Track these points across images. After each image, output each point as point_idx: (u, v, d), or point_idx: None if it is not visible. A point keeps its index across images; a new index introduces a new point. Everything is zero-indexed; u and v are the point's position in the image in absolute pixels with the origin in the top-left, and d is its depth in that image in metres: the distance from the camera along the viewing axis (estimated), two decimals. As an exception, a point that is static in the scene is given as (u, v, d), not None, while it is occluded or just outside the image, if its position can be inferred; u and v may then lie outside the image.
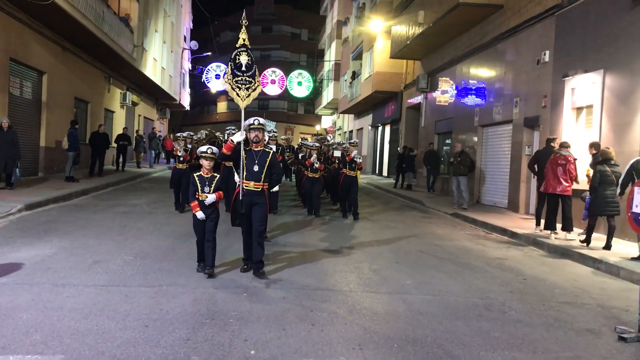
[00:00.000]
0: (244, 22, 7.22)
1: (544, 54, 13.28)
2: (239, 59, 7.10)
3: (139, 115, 31.50)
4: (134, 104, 29.11)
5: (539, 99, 13.53)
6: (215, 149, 6.88)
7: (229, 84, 7.10)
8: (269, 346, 4.40)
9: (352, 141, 13.60)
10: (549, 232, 10.46)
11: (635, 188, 5.21)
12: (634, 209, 5.16)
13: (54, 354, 4.05)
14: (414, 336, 4.85)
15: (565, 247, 9.47)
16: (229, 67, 7.12)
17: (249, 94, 7.12)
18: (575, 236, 10.28)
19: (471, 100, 17.65)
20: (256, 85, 7.18)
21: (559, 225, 10.50)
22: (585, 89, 11.79)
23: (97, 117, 23.28)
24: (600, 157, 9.59)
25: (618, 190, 8.78)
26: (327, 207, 14.47)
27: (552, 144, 11.24)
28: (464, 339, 4.83)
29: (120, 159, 22.43)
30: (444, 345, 4.66)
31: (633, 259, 8.35)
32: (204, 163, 6.74)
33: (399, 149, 24.64)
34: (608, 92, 11.01)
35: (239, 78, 7.08)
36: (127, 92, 27.18)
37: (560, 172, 10.17)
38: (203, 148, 6.88)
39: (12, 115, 15.17)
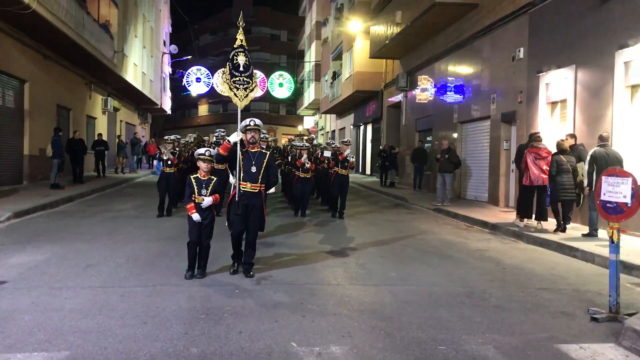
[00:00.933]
0: (241, 23, 7.26)
1: (519, 51, 13.66)
2: (236, 60, 7.14)
3: (121, 121, 31.48)
4: (116, 109, 29.11)
5: (515, 94, 13.92)
6: (213, 151, 6.92)
7: (227, 84, 7.14)
8: (263, 337, 4.65)
9: (344, 140, 13.70)
10: (539, 222, 10.76)
11: (602, 177, 5.53)
12: (602, 197, 5.48)
13: (59, 350, 4.25)
14: (399, 323, 5.12)
15: (543, 238, 9.82)
16: (227, 67, 7.17)
17: (247, 94, 7.18)
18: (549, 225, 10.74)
19: (450, 97, 18.01)
20: (253, 85, 7.24)
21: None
22: (558, 84, 12.19)
23: (80, 123, 23.28)
24: (557, 148, 10.36)
25: (585, 181, 9.50)
26: (317, 207, 14.63)
27: (534, 139, 11.60)
28: (447, 325, 5.12)
29: (100, 165, 22.35)
30: (428, 330, 4.94)
31: (583, 235, 9.70)
32: (202, 165, 6.72)
33: (380, 147, 24.91)
34: (580, 86, 11.41)
35: (237, 78, 7.13)
36: (109, 98, 27.18)
37: (543, 164, 10.54)
38: (201, 150, 6.88)
39: (-5, 124, 15.26)
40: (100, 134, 23.88)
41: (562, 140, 10.52)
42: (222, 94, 7.57)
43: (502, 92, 14.74)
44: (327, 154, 13.83)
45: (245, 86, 7.16)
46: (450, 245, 9.58)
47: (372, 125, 31.07)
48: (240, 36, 7.23)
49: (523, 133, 13.17)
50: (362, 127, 33.73)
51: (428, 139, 21.24)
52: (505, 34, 14.55)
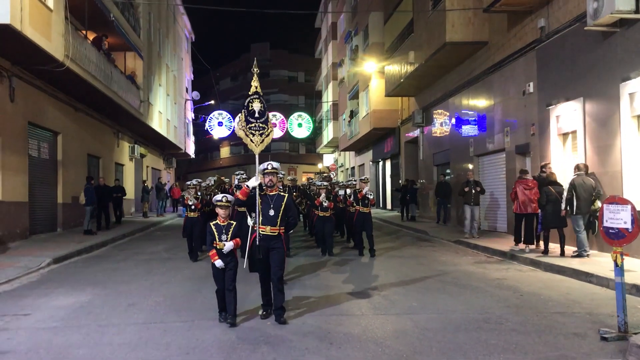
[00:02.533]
0: (255, 69, 7.39)
1: (529, 85, 14.19)
2: (252, 106, 7.26)
3: (147, 166, 32.50)
4: (142, 155, 30.12)
5: (528, 127, 14.39)
6: (230, 197, 6.96)
7: (243, 130, 7.23)
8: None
9: (363, 177, 13.80)
10: (527, 246, 12.11)
11: (604, 205, 5.96)
12: (605, 224, 5.90)
13: (115, 379, 4.76)
14: (420, 348, 5.55)
15: (560, 265, 10.15)
16: (242, 114, 7.29)
17: (263, 140, 7.27)
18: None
19: (467, 130, 18.50)
20: (269, 131, 7.33)
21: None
22: (568, 116, 12.65)
23: (109, 171, 24.25)
24: (545, 180, 11.67)
25: (563, 205, 10.94)
26: (341, 245, 14.68)
27: (544, 170, 12.15)
28: (465, 348, 5.52)
29: (117, 212, 22.07)
30: (447, 353, 5.36)
31: (573, 255, 10.79)
32: (220, 212, 6.75)
33: (400, 181, 25.24)
34: (589, 117, 11.86)
35: (253, 124, 7.23)
36: (135, 145, 28.23)
37: (531, 194, 11.92)
38: (218, 197, 6.91)
39: (31, 174, 16.12)
40: (117, 180, 23.52)
41: (552, 173, 12.01)
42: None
43: (515, 125, 15.22)
44: (342, 192, 14.08)
45: (260, 132, 7.27)
46: (469, 275, 9.96)
47: (390, 161, 31.63)
48: (254, 83, 7.38)
49: (537, 164, 13.57)
50: (380, 163, 34.32)
51: (447, 171, 21.57)
52: (515, 69, 15.11)
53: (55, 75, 15.93)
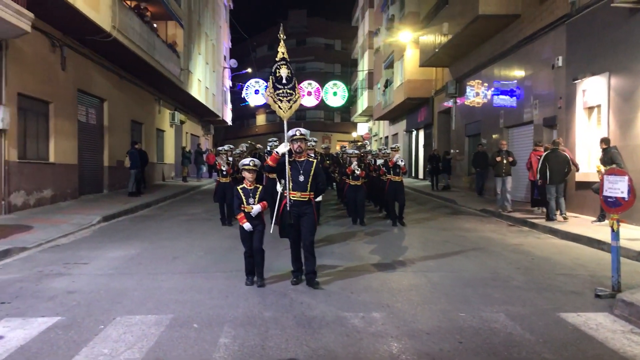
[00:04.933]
0: (282, 35, 7.41)
1: (558, 59, 14.46)
2: (279, 72, 7.29)
3: (186, 133, 33.65)
4: (182, 122, 31.20)
5: (555, 100, 14.71)
6: (257, 161, 7.10)
7: (271, 97, 7.26)
8: (319, 306, 5.89)
9: (393, 146, 13.50)
10: (539, 208, 13.68)
11: (604, 176, 6.51)
12: (604, 193, 6.46)
13: (166, 314, 5.62)
14: (431, 298, 6.27)
15: (576, 233, 10.67)
16: (270, 80, 7.30)
17: (290, 106, 7.33)
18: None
19: (498, 101, 18.77)
20: (297, 97, 7.37)
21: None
22: (594, 90, 12.95)
23: (150, 136, 25.40)
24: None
25: (538, 175, 12.47)
26: (372, 214, 14.50)
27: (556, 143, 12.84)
28: (470, 299, 6.22)
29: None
30: (453, 303, 6.06)
31: (593, 221, 11.79)
32: (247, 175, 6.92)
33: (434, 151, 25.12)
34: (613, 92, 12.17)
35: (280, 91, 7.26)
36: (175, 112, 29.29)
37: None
38: (245, 161, 7.09)
39: (80, 139, 17.22)
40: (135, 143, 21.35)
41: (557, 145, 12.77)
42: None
43: (543, 98, 15.53)
44: (380, 161, 13.91)
45: (288, 98, 7.30)
46: (488, 241, 10.58)
47: (424, 131, 32.01)
48: (281, 49, 7.37)
49: (563, 137, 13.94)
50: (414, 133, 34.70)
51: (484, 141, 20.61)
52: (546, 42, 15.35)
53: (102, 45, 16.87)
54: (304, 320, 5.43)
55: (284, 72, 7.30)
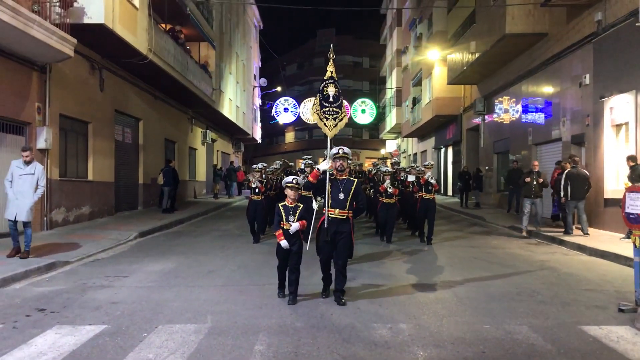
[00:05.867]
0: (331, 55, 7.52)
1: (585, 77, 14.58)
2: (326, 91, 7.43)
3: (217, 151, 34.34)
4: (213, 140, 31.90)
5: (583, 118, 14.80)
6: (300, 179, 7.23)
7: (317, 114, 7.43)
8: (349, 318, 6.18)
9: (426, 163, 13.45)
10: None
11: (626, 194, 6.67)
12: (627, 210, 6.62)
13: (204, 323, 5.96)
14: (456, 311, 6.50)
15: (604, 250, 10.74)
16: (317, 98, 7.48)
17: (336, 124, 7.45)
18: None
19: (526, 119, 18.80)
20: (342, 115, 7.48)
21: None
22: (621, 108, 13.04)
23: (183, 154, 26.07)
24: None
25: (562, 193, 13.06)
26: (402, 233, 14.33)
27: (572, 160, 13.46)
28: (494, 312, 6.43)
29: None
30: (478, 316, 6.28)
31: (622, 238, 11.86)
32: (289, 193, 6.98)
33: (464, 168, 25.08)
34: (640, 110, 12.25)
35: (327, 109, 7.41)
36: (207, 131, 30.00)
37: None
38: (288, 178, 7.14)
39: (116, 157, 17.87)
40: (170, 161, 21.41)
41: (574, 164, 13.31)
42: (308, 122, 8.29)
43: (571, 116, 15.62)
44: (412, 178, 13.65)
45: (334, 116, 7.44)
46: (515, 257, 10.72)
47: (452, 148, 32.08)
48: (330, 68, 7.50)
49: (592, 154, 14.04)
50: (442, 150, 34.78)
51: (517, 156, 20.10)
52: (573, 61, 15.48)
53: (138, 67, 17.54)
54: (334, 330, 5.71)
55: (331, 90, 7.46)
